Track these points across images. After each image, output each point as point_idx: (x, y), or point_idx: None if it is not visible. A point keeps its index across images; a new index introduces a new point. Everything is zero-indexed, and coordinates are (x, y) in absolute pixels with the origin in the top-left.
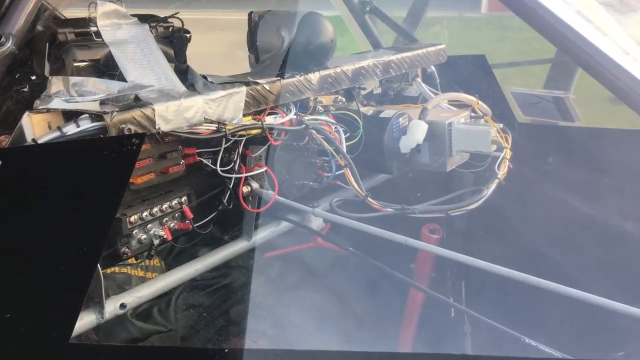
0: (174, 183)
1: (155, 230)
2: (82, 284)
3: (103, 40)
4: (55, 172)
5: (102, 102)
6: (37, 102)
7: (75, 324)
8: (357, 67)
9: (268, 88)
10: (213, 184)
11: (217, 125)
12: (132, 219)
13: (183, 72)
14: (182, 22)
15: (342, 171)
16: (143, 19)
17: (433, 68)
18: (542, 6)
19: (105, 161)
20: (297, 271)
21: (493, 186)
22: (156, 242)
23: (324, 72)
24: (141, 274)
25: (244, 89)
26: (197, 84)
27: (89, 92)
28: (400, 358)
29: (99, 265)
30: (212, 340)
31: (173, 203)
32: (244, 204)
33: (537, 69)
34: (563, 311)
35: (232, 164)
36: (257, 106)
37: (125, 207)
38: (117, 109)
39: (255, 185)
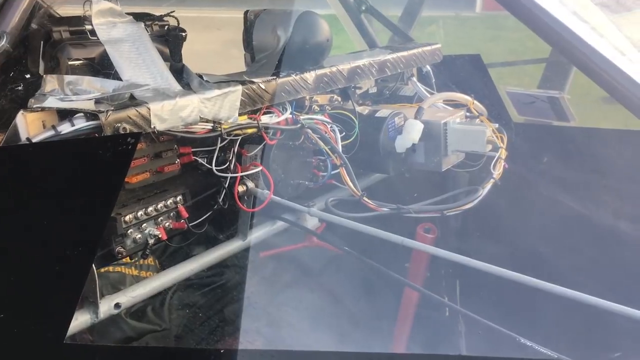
0: (169, 182)
1: (150, 229)
2: (77, 283)
3: (98, 39)
4: (49, 172)
5: (97, 101)
6: (32, 100)
7: (70, 324)
8: (352, 67)
9: (264, 87)
10: (208, 183)
11: (212, 125)
12: (127, 218)
13: (178, 71)
14: (177, 20)
15: (338, 170)
16: (138, 17)
17: (429, 67)
18: (538, 5)
19: (100, 160)
20: (293, 271)
21: (488, 186)
22: (151, 241)
23: (319, 72)
24: (135, 272)
25: (239, 88)
26: (192, 83)
27: (83, 91)
28: (396, 359)
29: (93, 265)
30: (206, 339)
31: (168, 202)
32: (239, 203)
33: (532, 69)
34: (558, 311)
35: (228, 163)
36: (252, 105)
37: (120, 206)
38: (112, 108)
39: (250, 184)
